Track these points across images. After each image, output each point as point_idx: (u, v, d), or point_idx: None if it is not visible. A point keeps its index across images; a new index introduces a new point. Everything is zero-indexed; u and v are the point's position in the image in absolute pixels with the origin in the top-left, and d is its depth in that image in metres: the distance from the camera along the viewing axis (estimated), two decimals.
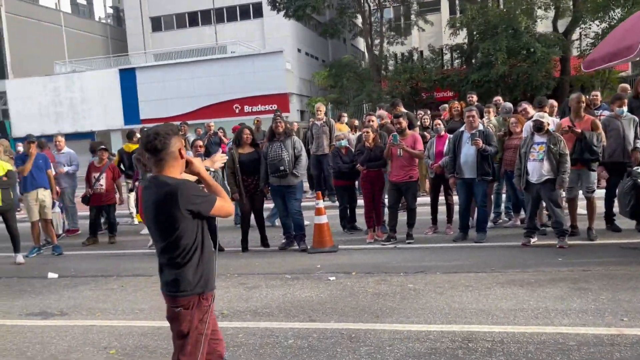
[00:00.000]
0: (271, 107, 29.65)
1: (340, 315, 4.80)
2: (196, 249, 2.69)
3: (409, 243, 7.35)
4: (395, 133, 7.20)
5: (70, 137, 23.65)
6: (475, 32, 24.73)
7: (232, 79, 30.28)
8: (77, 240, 9.27)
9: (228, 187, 7.34)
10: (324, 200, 8.55)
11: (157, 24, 40.59)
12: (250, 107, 30.13)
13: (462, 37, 26.43)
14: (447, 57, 30.83)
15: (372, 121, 7.92)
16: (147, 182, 2.73)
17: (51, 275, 6.91)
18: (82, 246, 8.76)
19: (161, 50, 36.38)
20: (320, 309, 5.00)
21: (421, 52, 32.55)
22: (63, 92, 33.20)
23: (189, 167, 2.82)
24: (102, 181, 8.53)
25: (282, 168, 7.06)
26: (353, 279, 5.91)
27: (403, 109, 9.89)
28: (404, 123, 7.41)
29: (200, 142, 7.84)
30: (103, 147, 8.89)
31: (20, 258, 7.77)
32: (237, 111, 30.42)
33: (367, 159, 7.50)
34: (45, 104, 33.16)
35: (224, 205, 2.78)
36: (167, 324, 2.84)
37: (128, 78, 32.45)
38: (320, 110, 10.37)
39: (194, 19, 39.96)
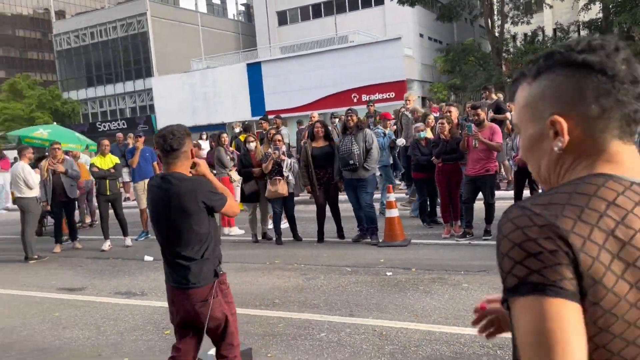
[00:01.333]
0: (389, 95, 29.57)
1: (381, 312, 4.81)
2: (210, 238, 2.90)
3: (485, 240, 7.02)
4: (470, 123, 6.89)
5: (204, 129, 25.86)
6: (611, 5, 22.24)
7: (351, 68, 30.60)
8: None
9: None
10: None
11: (283, 17, 42.19)
12: (367, 96, 30.18)
13: (595, 12, 23.96)
14: (578, 34, 28.14)
15: (450, 112, 7.64)
16: (159, 180, 2.91)
17: (147, 258, 7.74)
18: None
19: (286, 44, 37.84)
20: (364, 304, 5.04)
21: (553, 29, 30.07)
22: (198, 87, 36.10)
23: (195, 167, 3.03)
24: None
25: (351, 162, 7.13)
26: (409, 275, 5.84)
27: (494, 95, 9.35)
28: (482, 115, 7.05)
29: (279, 136, 8.15)
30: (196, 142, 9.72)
31: (128, 241, 8.78)
32: (354, 100, 30.70)
33: (442, 151, 7.28)
34: (184, 98, 36.29)
35: (233, 204, 3.08)
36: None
37: (255, 72, 34.35)
38: (410, 100, 10.21)
39: (317, 10, 40.88)
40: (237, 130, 10.36)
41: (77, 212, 9.83)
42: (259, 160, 7.95)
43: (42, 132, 10.52)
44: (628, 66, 0.89)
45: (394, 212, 7.25)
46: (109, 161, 8.52)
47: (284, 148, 8.28)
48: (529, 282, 0.81)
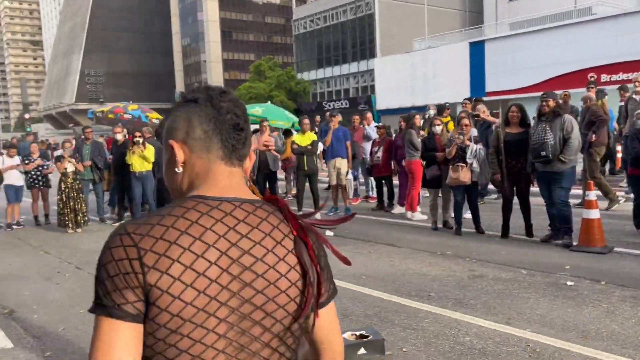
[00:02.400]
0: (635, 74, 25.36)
1: (543, 326, 4.21)
2: None
3: None
4: None
5: (422, 109, 25.87)
6: None
7: (590, 44, 27.07)
8: (369, 205, 10.45)
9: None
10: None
11: None
12: (608, 76, 26.41)
13: None
14: None
15: None
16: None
17: (329, 233, 8.09)
18: (370, 211, 9.84)
19: (515, 19, 35.19)
20: (527, 313, 4.48)
21: None
22: (418, 67, 36.02)
23: None
24: (379, 154, 9.35)
25: (543, 153, 6.31)
26: (595, 289, 4.98)
27: None
28: None
29: (466, 121, 7.62)
30: (382, 125, 9.78)
31: (318, 215, 9.30)
32: (591, 80, 27.11)
33: None
34: (403, 79, 36.64)
35: None
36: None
37: (477, 51, 32.83)
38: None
39: None
40: (431, 112, 10.07)
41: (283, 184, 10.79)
42: (443, 145, 7.61)
43: (258, 109, 11.75)
44: (231, 103, 1.10)
45: (593, 213, 6.24)
46: (307, 138, 9.09)
47: (474, 133, 7.76)
48: (100, 303, 0.95)
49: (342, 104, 41.16)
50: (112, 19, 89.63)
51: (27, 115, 42.19)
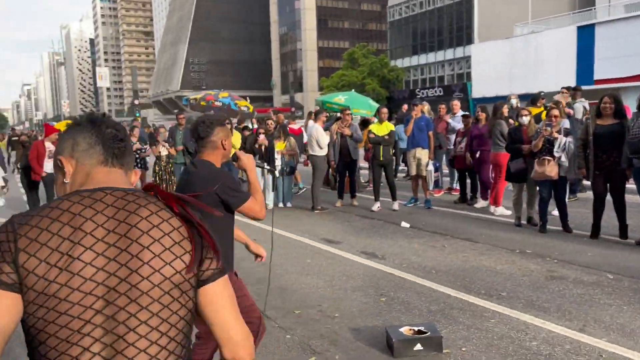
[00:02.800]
0: None
1: (622, 336, 3.89)
2: (222, 235, 2.67)
3: None
4: None
5: (521, 97, 24.42)
6: None
7: None
8: (451, 197, 10.13)
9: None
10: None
11: None
12: None
13: None
14: None
15: None
16: (189, 165, 2.89)
17: (404, 224, 7.98)
18: (452, 204, 9.55)
19: (632, 0, 32.18)
20: (605, 322, 4.15)
21: None
22: (519, 53, 34.12)
23: (237, 162, 2.91)
24: (463, 144, 8.98)
25: None
26: None
27: None
28: None
29: (556, 112, 7.10)
30: (468, 114, 9.34)
31: (395, 205, 9.19)
32: None
33: None
34: (501, 66, 34.91)
35: (254, 207, 2.80)
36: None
37: (586, 35, 30.49)
38: None
39: None
40: (513, 101, 9.50)
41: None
42: (530, 137, 7.18)
43: (340, 97, 11.76)
44: (110, 123, 1.33)
45: None
46: (385, 128, 8.98)
47: (565, 123, 7.24)
48: None
49: (435, 91, 40.09)
50: (215, 10, 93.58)
51: (136, 102, 45.26)
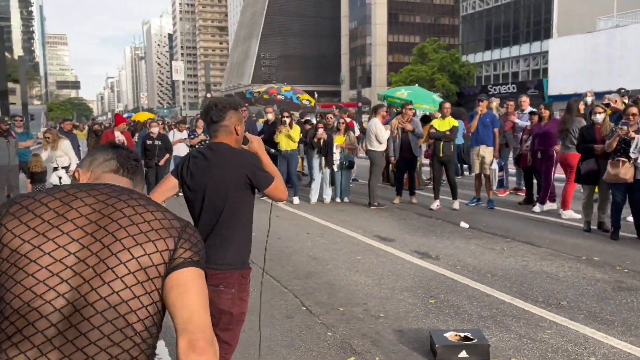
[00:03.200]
0: None
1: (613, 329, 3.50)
2: (244, 221, 2.65)
3: None
4: None
5: (602, 95, 22.90)
6: None
7: None
8: (517, 198, 9.63)
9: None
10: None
11: None
12: None
13: None
14: None
15: None
16: (205, 149, 2.69)
17: (463, 224, 7.66)
18: (516, 205, 9.09)
19: None
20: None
21: None
22: (602, 48, 32.16)
23: (248, 145, 2.75)
24: (529, 142, 8.49)
25: None
26: None
27: None
28: None
29: (634, 109, 6.54)
30: (536, 111, 8.82)
31: (456, 204, 8.86)
32: None
33: None
34: (582, 61, 33.02)
35: (279, 187, 2.69)
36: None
37: None
38: None
39: None
40: (588, 99, 8.87)
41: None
42: (603, 136, 6.67)
43: (403, 92, 11.49)
44: (129, 150, 1.52)
45: None
46: (447, 123, 8.67)
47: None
48: None
49: (509, 88, 38.55)
50: (287, 5, 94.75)
51: (208, 95, 46.72)
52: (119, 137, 10.00)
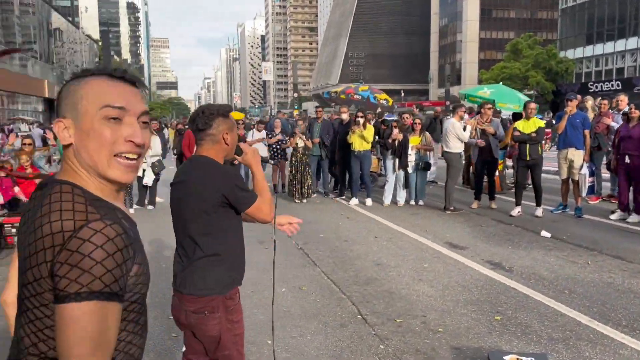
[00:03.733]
0: None
1: None
2: (227, 242, 2.40)
3: None
4: None
5: None
6: None
7: None
8: (610, 207, 8.77)
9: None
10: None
11: None
12: None
13: None
14: None
15: None
16: (187, 161, 2.52)
17: (544, 233, 7.09)
18: (610, 214, 8.28)
19: None
20: None
21: None
22: None
23: (242, 156, 2.48)
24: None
25: None
26: None
27: None
28: None
29: None
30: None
31: (539, 211, 8.23)
32: None
33: None
34: None
35: (262, 208, 2.39)
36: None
37: None
38: None
39: None
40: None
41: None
42: None
43: (485, 91, 10.88)
44: None
45: None
46: (532, 125, 8.07)
47: None
48: None
49: (612, 85, 35.66)
50: (376, 4, 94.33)
51: (295, 95, 47.65)
52: None
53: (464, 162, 10.93)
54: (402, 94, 63.28)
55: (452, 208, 8.84)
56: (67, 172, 1.16)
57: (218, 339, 2.37)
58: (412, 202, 9.73)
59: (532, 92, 45.05)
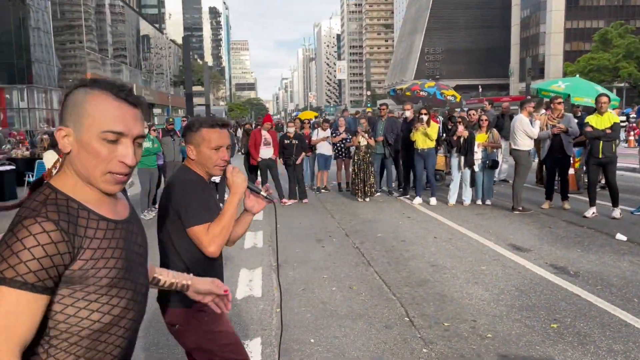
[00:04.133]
0: None
1: None
2: (191, 254, 2.18)
3: None
4: None
5: None
6: None
7: None
8: None
9: None
10: None
11: None
12: None
13: None
14: None
15: None
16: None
17: (620, 236, 6.59)
18: None
19: None
20: None
21: None
22: None
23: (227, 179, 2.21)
24: None
25: None
26: None
27: None
28: None
29: None
30: None
31: (616, 212, 7.66)
32: None
33: None
34: None
35: (201, 236, 2.11)
36: None
37: None
38: None
39: None
40: None
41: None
42: None
43: (560, 84, 10.23)
44: None
45: None
46: (606, 120, 7.53)
47: None
48: None
49: None
50: None
51: (368, 93, 47.43)
52: (265, 135, 10.56)
53: (535, 160, 10.40)
54: (480, 89, 61.08)
55: (520, 208, 8.44)
56: (61, 175, 1.28)
57: (201, 349, 2.25)
58: (479, 202, 9.39)
59: (623, 84, 41.96)
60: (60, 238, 1.14)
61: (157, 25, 73.67)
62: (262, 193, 2.26)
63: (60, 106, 1.27)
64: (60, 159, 1.29)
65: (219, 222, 2.12)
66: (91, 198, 1.27)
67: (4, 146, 15.40)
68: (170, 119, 11.17)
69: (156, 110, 56.72)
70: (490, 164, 9.24)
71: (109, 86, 1.26)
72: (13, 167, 12.32)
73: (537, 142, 9.16)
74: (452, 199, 9.42)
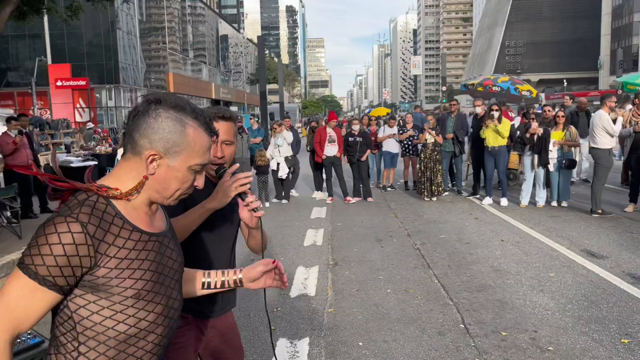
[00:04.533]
0: None
1: None
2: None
3: None
4: None
5: None
6: None
7: None
8: None
9: None
10: None
11: None
12: None
13: None
14: None
15: None
16: None
17: None
18: None
19: None
20: None
21: None
22: None
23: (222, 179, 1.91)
24: None
25: None
26: None
27: None
28: None
29: None
30: None
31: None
32: None
33: None
34: None
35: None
36: None
37: None
38: None
39: None
40: None
41: None
42: None
43: None
44: None
45: None
46: None
47: None
48: None
49: None
50: None
51: (443, 88, 46.23)
52: (330, 133, 10.53)
53: (621, 159, 9.65)
54: (565, 83, 57.82)
55: (599, 211, 7.85)
56: (113, 177, 1.30)
57: None
58: (554, 204, 8.83)
59: None
60: (84, 241, 1.16)
61: (235, 25, 75.86)
62: (256, 214, 1.84)
63: (131, 116, 1.28)
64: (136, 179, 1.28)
65: (185, 222, 1.85)
66: (131, 208, 1.29)
67: (90, 142, 16.41)
68: (240, 117, 11.43)
69: (233, 108, 58.50)
70: (567, 164, 8.66)
71: (203, 119, 1.33)
72: (95, 163, 13.10)
73: (623, 139, 8.50)
74: (525, 200, 8.93)
